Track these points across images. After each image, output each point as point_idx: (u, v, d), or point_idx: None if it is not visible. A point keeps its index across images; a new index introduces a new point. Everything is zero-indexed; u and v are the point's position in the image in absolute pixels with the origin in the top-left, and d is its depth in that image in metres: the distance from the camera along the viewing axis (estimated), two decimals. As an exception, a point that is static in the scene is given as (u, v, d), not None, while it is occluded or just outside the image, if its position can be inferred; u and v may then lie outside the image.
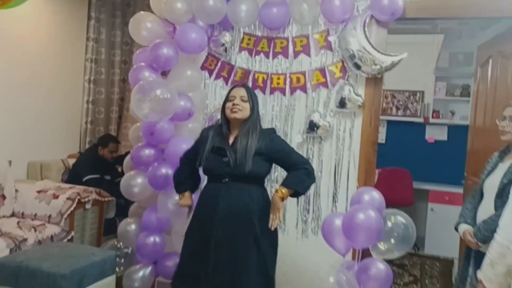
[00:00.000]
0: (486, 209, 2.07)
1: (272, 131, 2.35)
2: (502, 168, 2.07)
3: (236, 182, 2.13)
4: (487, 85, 3.09)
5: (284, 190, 2.10)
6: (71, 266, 2.33)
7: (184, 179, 2.39)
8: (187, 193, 2.38)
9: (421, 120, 5.19)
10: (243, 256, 2.07)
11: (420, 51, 4.74)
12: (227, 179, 2.13)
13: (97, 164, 3.71)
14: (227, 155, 2.13)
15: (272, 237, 2.16)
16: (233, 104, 2.18)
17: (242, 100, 2.18)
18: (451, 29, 4.75)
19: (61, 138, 4.01)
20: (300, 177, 2.15)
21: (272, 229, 2.08)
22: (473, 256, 2.22)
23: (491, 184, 2.08)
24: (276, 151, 2.18)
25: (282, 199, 2.09)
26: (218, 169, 2.16)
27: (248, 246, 2.08)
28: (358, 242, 2.29)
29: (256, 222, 2.09)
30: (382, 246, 2.37)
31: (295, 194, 2.16)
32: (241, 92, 2.21)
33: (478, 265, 2.18)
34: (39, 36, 3.71)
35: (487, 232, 1.96)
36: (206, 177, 2.32)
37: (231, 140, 2.21)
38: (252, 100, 2.21)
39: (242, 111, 2.18)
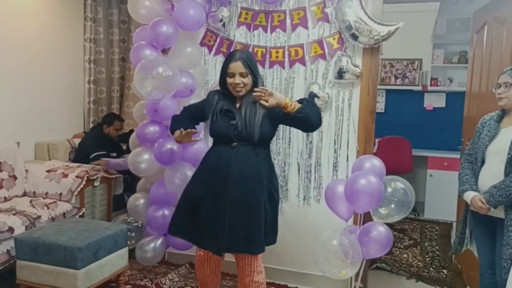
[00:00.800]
0: (491, 174, 2.13)
1: None
2: (506, 133, 2.11)
3: (244, 145, 2.19)
4: (482, 51, 3.12)
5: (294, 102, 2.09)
6: (86, 240, 2.46)
7: (185, 120, 2.39)
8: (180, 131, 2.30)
9: (419, 88, 5.24)
10: (255, 214, 2.18)
11: (418, 19, 4.74)
12: (236, 143, 2.19)
13: (103, 142, 3.81)
14: (235, 118, 2.19)
15: (272, 197, 2.27)
16: (235, 83, 2.19)
17: (242, 76, 2.19)
18: (449, -5, 4.75)
19: (66, 118, 4.09)
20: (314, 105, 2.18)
21: (253, 93, 2.10)
22: (469, 218, 2.32)
23: (496, 150, 2.12)
24: (279, 109, 2.13)
25: (286, 104, 2.07)
26: (226, 131, 2.20)
27: (260, 203, 2.18)
28: (360, 206, 2.39)
29: (265, 181, 2.20)
30: (382, 210, 2.48)
31: (298, 115, 2.09)
32: (239, 68, 2.19)
33: (476, 227, 2.29)
34: (37, 19, 3.72)
35: (502, 197, 2.03)
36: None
37: (237, 105, 2.26)
38: (252, 71, 2.21)
39: (245, 87, 2.21)
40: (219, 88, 2.39)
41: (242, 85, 2.20)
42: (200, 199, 2.26)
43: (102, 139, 3.82)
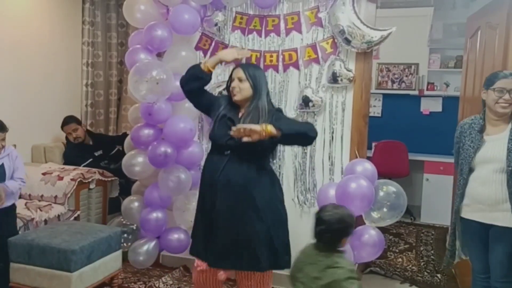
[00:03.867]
0: (481, 181, 2.12)
1: (278, 110, 2.34)
2: (495, 141, 2.10)
3: (237, 155, 2.16)
4: (476, 56, 3.14)
5: (269, 126, 2.02)
6: (80, 242, 2.47)
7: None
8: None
9: (416, 92, 5.25)
10: (245, 226, 2.13)
11: (414, 24, 4.77)
12: (229, 152, 2.18)
13: (81, 149, 3.74)
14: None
15: (275, 210, 2.21)
16: (232, 87, 2.23)
17: (240, 81, 2.21)
18: (445, 0, 4.78)
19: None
20: (292, 121, 2.18)
21: (232, 133, 2.05)
22: (458, 230, 2.31)
23: (486, 159, 2.11)
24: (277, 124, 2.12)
25: (264, 132, 2.01)
26: (221, 139, 2.20)
27: (248, 216, 2.13)
28: (350, 209, 2.40)
29: (255, 194, 2.14)
30: (375, 214, 2.50)
31: (283, 138, 2.08)
32: (238, 73, 2.23)
33: (466, 234, 2.29)
34: (35, 22, 3.74)
35: None
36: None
37: (240, 114, 2.26)
38: (252, 78, 2.21)
39: (241, 92, 2.21)
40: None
41: (238, 89, 2.21)
42: (200, 210, 2.30)
43: (77, 147, 3.73)
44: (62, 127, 3.75)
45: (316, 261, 1.81)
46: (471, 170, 2.18)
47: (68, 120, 3.75)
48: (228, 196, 2.15)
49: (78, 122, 3.82)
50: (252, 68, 2.28)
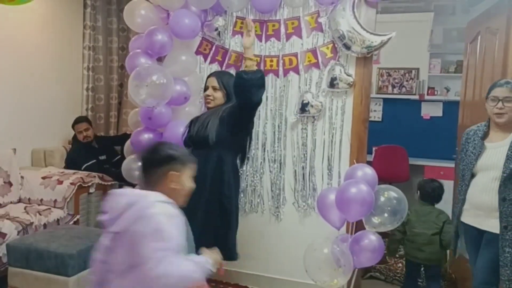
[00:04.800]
0: (482, 188, 2.12)
1: None
2: (496, 149, 2.10)
3: (198, 149, 2.26)
4: (476, 60, 3.14)
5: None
6: (78, 246, 2.47)
7: None
8: None
9: (416, 97, 5.25)
10: (200, 217, 2.23)
11: (414, 29, 4.77)
12: (191, 148, 2.30)
13: (87, 150, 3.78)
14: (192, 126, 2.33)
15: (222, 206, 2.26)
16: (206, 95, 2.36)
17: (214, 89, 2.34)
18: (445, 6, 4.78)
19: (63, 125, 4.09)
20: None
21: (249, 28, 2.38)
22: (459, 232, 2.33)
23: (486, 166, 2.12)
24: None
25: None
26: (185, 140, 2.36)
27: (199, 207, 2.22)
28: (350, 214, 2.39)
29: (207, 186, 2.22)
30: (375, 219, 2.48)
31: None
32: (212, 82, 2.36)
33: (467, 241, 2.29)
34: (37, 26, 3.76)
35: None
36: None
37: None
38: (226, 87, 2.32)
39: (214, 100, 2.35)
40: None
41: (212, 97, 2.35)
42: None
43: (85, 148, 3.78)
44: (73, 125, 3.83)
45: (430, 212, 2.85)
46: (473, 176, 2.19)
47: (81, 119, 3.87)
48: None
49: (90, 123, 3.93)
50: (226, 77, 2.40)
